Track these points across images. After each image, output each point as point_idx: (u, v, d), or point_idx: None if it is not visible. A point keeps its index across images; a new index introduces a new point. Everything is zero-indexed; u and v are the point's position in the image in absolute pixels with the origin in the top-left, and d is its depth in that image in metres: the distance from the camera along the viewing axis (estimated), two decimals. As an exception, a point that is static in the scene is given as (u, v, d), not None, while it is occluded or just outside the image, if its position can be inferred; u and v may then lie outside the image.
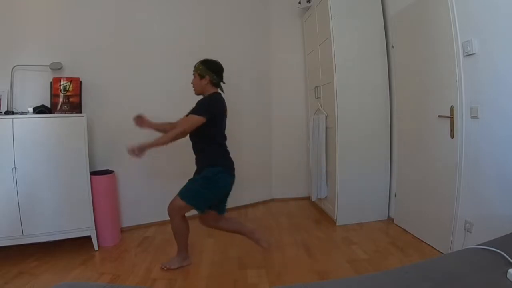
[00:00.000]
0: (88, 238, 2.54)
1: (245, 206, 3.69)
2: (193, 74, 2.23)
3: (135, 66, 3.03)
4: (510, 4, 1.71)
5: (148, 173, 3.11)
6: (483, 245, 1.20)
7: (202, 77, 2.18)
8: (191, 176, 3.32)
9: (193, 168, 3.34)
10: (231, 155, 2.21)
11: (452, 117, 2.17)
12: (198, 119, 2.02)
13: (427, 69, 2.43)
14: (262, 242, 2.24)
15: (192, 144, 2.23)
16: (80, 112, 2.64)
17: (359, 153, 2.97)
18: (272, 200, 3.95)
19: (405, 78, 2.77)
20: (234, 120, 3.58)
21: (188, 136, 2.18)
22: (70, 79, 2.63)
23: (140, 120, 2.22)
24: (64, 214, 2.42)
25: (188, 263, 2.26)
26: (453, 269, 1.09)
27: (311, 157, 3.67)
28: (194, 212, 2.26)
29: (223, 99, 2.20)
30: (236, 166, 3.56)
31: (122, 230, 2.92)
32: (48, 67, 2.61)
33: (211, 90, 2.19)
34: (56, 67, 2.62)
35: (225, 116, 2.20)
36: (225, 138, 2.22)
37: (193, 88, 2.24)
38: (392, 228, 2.86)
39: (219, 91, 2.23)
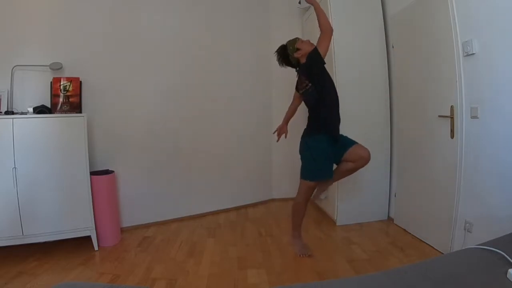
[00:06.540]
0: (88, 238, 2.54)
1: (245, 206, 3.69)
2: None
3: (135, 66, 3.03)
4: (510, 5, 1.71)
5: (148, 173, 3.11)
6: (483, 245, 1.20)
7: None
8: (190, 177, 3.34)
9: (196, 169, 3.36)
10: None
11: (452, 117, 2.17)
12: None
13: (427, 69, 2.43)
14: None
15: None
16: (80, 112, 2.64)
17: (359, 153, 2.96)
18: (272, 200, 3.94)
19: (405, 78, 2.77)
20: (234, 120, 3.60)
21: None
22: (70, 79, 2.63)
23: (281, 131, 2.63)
24: (64, 214, 2.42)
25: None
26: (453, 269, 1.09)
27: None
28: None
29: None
30: (236, 166, 3.60)
31: (122, 230, 2.92)
32: (48, 67, 2.61)
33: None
34: (56, 67, 2.62)
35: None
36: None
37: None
38: (392, 228, 2.86)
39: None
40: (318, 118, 2.29)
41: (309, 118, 2.39)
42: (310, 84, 2.27)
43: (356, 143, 2.29)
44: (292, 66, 2.40)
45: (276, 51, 2.40)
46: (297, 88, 2.51)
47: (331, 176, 2.34)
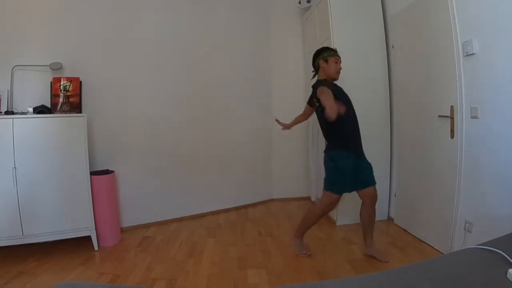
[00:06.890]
0: (88, 238, 2.54)
1: (245, 206, 3.69)
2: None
3: (135, 66, 3.03)
4: (510, 5, 1.71)
5: (148, 173, 3.11)
6: (483, 245, 1.20)
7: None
8: (190, 177, 3.33)
9: (196, 169, 3.36)
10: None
11: (452, 117, 2.17)
12: None
13: (427, 69, 2.43)
14: None
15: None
16: (80, 112, 2.64)
17: (359, 153, 2.96)
18: (272, 200, 3.94)
19: (405, 78, 2.77)
20: (234, 120, 3.60)
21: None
22: (70, 79, 2.63)
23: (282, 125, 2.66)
24: (64, 214, 2.42)
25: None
26: (453, 269, 1.09)
27: (311, 157, 3.67)
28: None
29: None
30: (236, 166, 3.61)
31: (122, 230, 2.92)
32: (48, 67, 2.61)
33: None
34: (56, 67, 2.61)
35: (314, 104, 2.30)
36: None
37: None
38: (392, 228, 2.86)
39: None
40: (336, 137, 2.26)
41: (327, 136, 2.35)
42: (318, 104, 2.23)
43: (375, 184, 2.27)
44: (313, 66, 2.38)
45: (324, 48, 2.34)
46: (309, 102, 2.46)
47: (349, 190, 2.31)
